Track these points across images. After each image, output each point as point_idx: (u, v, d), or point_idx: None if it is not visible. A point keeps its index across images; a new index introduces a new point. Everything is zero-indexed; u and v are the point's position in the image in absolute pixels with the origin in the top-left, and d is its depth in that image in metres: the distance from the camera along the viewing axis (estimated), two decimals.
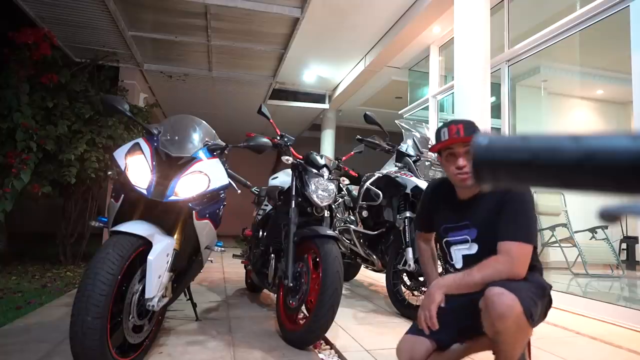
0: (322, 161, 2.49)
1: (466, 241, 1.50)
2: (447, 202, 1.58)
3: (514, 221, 1.38)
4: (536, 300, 1.30)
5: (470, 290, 1.38)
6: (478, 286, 1.33)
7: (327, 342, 2.20)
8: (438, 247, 1.73)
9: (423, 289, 2.77)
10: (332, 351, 2.12)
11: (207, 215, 2.04)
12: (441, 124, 5.40)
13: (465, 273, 1.38)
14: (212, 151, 2.12)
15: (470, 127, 1.45)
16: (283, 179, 2.77)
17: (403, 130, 3.18)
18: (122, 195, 1.91)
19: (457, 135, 1.44)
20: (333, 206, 2.74)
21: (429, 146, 3.06)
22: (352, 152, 3.24)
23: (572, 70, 5.71)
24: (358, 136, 3.16)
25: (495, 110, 4.04)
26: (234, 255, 3.75)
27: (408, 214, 2.81)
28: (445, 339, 1.49)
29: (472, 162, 0.35)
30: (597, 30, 3.60)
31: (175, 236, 1.89)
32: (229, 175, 2.17)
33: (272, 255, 2.53)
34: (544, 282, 1.41)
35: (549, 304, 1.45)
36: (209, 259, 2.36)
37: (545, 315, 1.46)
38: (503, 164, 0.34)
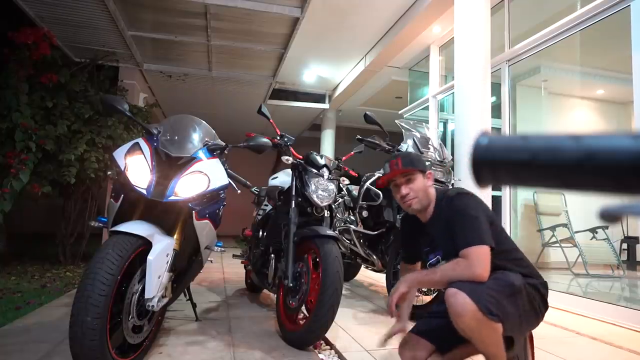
0: (322, 161, 2.49)
1: (439, 260, 1.60)
2: (417, 228, 1.70)
3: (463, 229, 1.47)
4: (497, 297, 1.34)
5: (432, 287, 1.53)
6: (438, 284, 1.45)
7: (327, 342, 2.20)
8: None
9: (423, 289, 2.77)
10: (332, 351, 2.12)
11: (207, 215, 2.03)
12: (442, 126, 5.34)
13: (429, 271, 1.51)
14: (212, 151, 2.12)
15: (406, 159, 1.63)
16: (283, 179, 2.77)
17: (403, 130, 3.17)
18: (122, 195, 1.91)
19: (396, 167, 1.61)
20: (333, 206, 2.74)
21: (429, 146, 3.06)
22: (352, 152, 3.24)
23: (573, 70, 5.70)
24: (358, 136, 3.16)
25: (496, 110, 4.04)
26: (234, 255, 3.74)
27: None
28: (444, 342, 1.53)
29: (471, 162, 0.35)
30: (598, 30, 3.60)
31: (175, 236, 1.88)
32: (229, 175, 2.17)
33: (272, 255, 2.53)
34: (512, 279, 1.42)
35: (529, 297, 1.44)
36: (209, 259, 2.36)
37: (528, 311, 1.44)
38: (503, 163, 0.34)
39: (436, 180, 2.91)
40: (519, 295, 1.41)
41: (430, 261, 1.64)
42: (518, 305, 1.39)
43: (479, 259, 1.39)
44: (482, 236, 1.44)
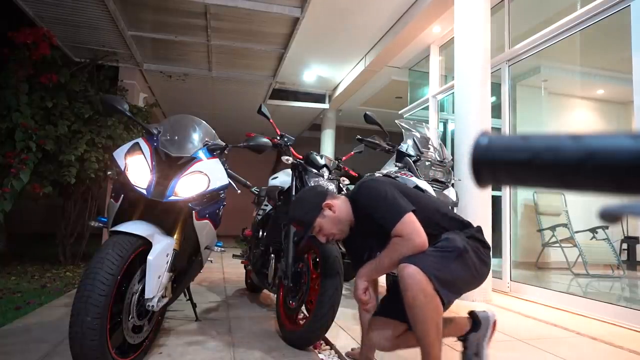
0: (322, 161, 2.48)
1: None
2: (355, 242, 1.76)
3: (381, 211, 1.52)
4: (445, 263, 1.40)
5: (386, 272, 1.60)
6: (391, 267, 1.49)
7: (327, 342, 2.20)
8: None
9: None
10: (332, 351, 2.12)
11: (207, 215, 2.03)
12: (442, 126, 5.31)
13: (377, 259, 1.53)
14: (212, 151, 2.12)
15: (300, 220, 1.73)
16: (283, 179, 2.77)
17: (403, 130, 3.17)
18: (122, 195, 1.91)
19: (302, 233, 1.76)
20: None
21: (429, 146, 3.06)
22: (352, 152, 3.24)
23: (573, 70, 5.70)
24: (358, 136, 3.15)
25: (496, 110, 4.04)
26: (234, 255, 3.74)
27: None
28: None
29: (471, 162, 0.35)
30: (598, 30, 3.60)
31: (175, 236, 1.88)
32: (229, 175, 2.17)
33: (272, 255, 2.53)
34: (456, 243, 1.47)
35: (474, 251, 1.50)
36: (209, 259, 2.36)
37: (478, 264, 1.50)
38: (503, 163, 0.34)
39: (436, 180, 2.91)
40: (467, 255, 1.46)
41: None
42: (468, 265, 1.46)
43: (411, 230, 1.44)
44: (399, 207, 1.49)
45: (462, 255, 1.45)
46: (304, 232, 1.73)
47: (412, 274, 1.34)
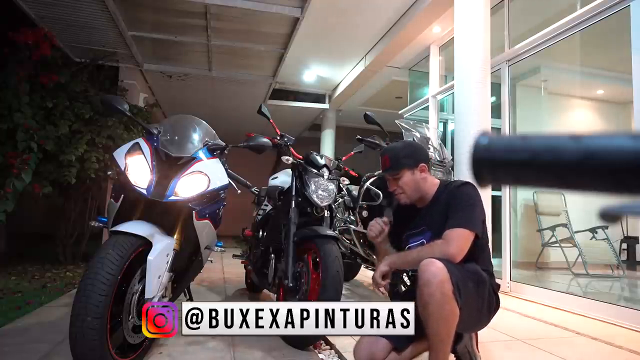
0: (322, 161, 2.48)
1: (422, 244, 1.63)
2: (409, 214, 1.73)
3: (455, 212, 1.51)
4: (466, 279, 1.39)
5: (409, 267, 1.59)
6: (415, 263, 1.46)
7: (327, 342, 2.20)
8: None
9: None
10: (332, 351, 2.12)
11: (207, 216, 2.03)
12: (442, 126, 5.30)
13: (406, 252, 1.56)
14: (212, 151, 2.12)
15: (393, 158, 1.66)
16: (283, 179, 2.77)
17: (403, 130, 3.17)
18: (122, 195, 1.91)
19: (384, 167, 1.69)
20: (333, 206, 2.74)
21: (429, 146, 3.06)
22: (352, 152, 3.24)
23: (572, 70, 5.70)
24: (358, 136, 3.15)
25: (496, 110, 4.04)
26: (234, 255, 3.74)
27: None
28: (402, 341, 1.54)
29: (471, 162, 0.35)
30: (597, 30, 3.60)
31: (175, 236, 1.88)
32: (229, 175, 2.17)
33: (272, 255, 2.53)
34: (479, 271, 1.49)
35: (490, 294, 1.51)
36: (209, 259, 2.36)
37: (486, 306, 1.51)
38: (503, 163, 0.34)
39: None
40: (483, 286, 1.47)
41: (410, 244, 1.67)
42: (479, 297, 1.45)
43: (458, 240, 1.44)
44: (471, 221, 1.49)
45: (479, 284, 1.45)
46: (387, 169, 1.67)
47: (435, 271, 1.32)
